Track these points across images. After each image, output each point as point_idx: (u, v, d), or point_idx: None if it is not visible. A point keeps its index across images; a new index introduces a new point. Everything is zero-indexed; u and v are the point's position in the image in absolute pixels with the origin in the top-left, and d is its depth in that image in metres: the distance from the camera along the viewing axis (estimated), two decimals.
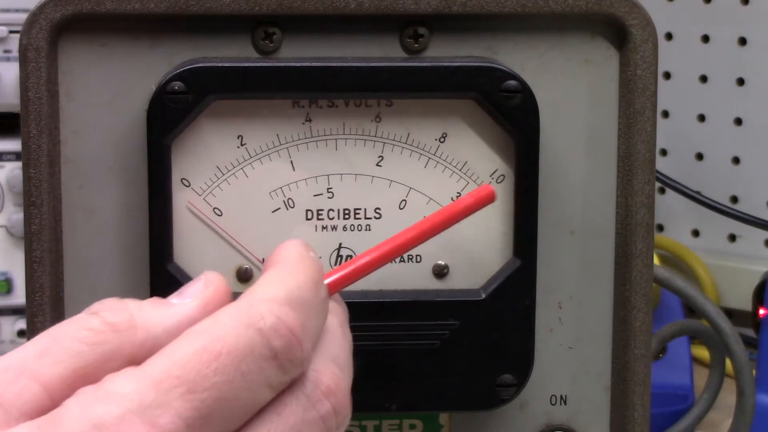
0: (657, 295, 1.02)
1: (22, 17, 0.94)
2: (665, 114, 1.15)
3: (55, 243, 0.55)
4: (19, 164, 1.00)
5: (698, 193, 1.10)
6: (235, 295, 0.55)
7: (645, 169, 0.57)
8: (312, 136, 0.55)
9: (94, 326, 0.41)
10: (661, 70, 0.90)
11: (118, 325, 0.41)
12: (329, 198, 0.56)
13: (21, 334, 1.02)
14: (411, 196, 0.56)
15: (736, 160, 1.13)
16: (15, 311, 1.02)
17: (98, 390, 0.39)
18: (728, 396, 0.81)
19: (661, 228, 1.18)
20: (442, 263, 0.57)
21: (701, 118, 1.14)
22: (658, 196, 1.14)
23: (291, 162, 0.56)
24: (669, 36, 1.14)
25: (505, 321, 0.56)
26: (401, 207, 0.56)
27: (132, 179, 0.56)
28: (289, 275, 0.42)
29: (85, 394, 0.39)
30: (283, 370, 0.40)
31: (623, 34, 0.56)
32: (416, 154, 0.56)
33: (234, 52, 0.55)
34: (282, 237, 0.55)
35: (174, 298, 0.42)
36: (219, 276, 0.43)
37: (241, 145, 0.55)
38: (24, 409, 0.39)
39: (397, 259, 0.56)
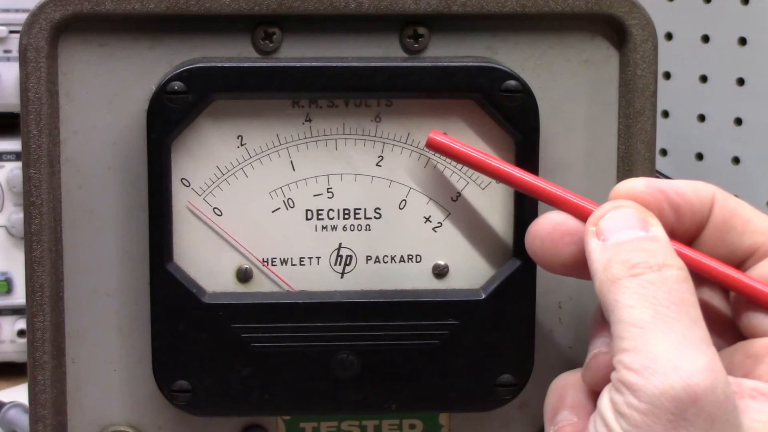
0: None
1: (22, 17, 0.94)
2: (665, 114, 1.15)
3: (55, 243, 0.55)
4: (19, 164, 1.00)
5: None
6: (235, 295, 0.55)
7: (645, 169, 0.57)
8: (312, 136, 0.55)
9: None
10: (661, 70, 0.90)
11: None
12: (329, 198, 0.56)
13: (21, 333, 1.02)
14: (411, 196, 0.56)
15: (736, 160, 1.13)
16: (15, 311, 1.02)
17: None
18: None
19: None
20: (442, 263, 0.57)
21: (701, 118, 1.14)
22: None
23: (291, 162, 0.55)
24: (669, 36, 1.14)
25: (505, 321, 0.56)
26: (401, 207, 0.56)
27: (132, 179, 0.56)
28: None
29: None
30: None
31: (623, 34, 0.56)
32: (416, 154, 0.56)
33: (234, 52, 0.55)
34: (282, 237, 0.56)
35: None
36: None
37: (241, 145, 0.55)
38: None
39: (398, 259, 0.56)
